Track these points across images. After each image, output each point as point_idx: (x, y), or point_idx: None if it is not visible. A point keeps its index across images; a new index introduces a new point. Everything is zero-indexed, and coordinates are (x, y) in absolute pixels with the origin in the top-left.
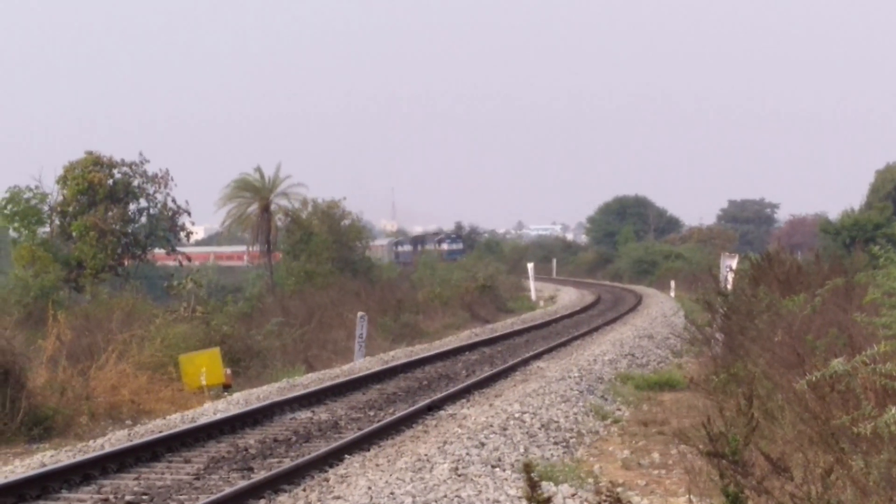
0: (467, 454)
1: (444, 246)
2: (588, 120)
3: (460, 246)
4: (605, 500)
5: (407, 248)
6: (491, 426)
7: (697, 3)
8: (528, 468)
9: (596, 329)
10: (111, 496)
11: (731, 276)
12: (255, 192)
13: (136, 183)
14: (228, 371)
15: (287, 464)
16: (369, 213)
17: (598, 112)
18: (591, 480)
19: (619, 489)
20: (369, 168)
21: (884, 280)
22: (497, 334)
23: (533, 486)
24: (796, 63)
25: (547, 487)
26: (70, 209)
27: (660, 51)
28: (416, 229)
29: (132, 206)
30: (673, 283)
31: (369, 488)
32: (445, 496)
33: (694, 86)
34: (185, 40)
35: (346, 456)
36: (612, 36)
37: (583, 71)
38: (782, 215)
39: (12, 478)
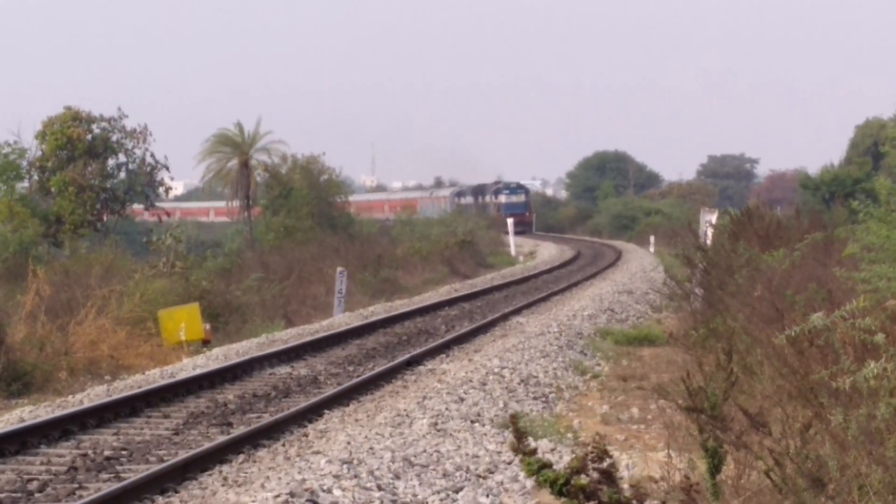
0: (447, 409)
1: (502, 198)
2: (568, 74)
3: (522, 198)
4: (591, 453)
5: (468, 199)
6: (470, 381)
7: None
8: (514, 419)
9: (575, 284)
10: (90, 451)
11: (710, 232)
12: (235, 147)
13: (114, 138)
14: (207, 326)
15: (266, 419)
16: (348, 168)
17: (578, 66)
18: (570, 435)
19: (605, 442)
20: (348, 123)
21: (863, 235)
22: (477, 289)
23: (519, 437)
24: (776, 19)
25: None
26: (49, 164)
27: (640, 7)
28: (395, 184)
29: (111, 162)
30: (652, 239)
31: (348, 443)
32: (425, 451)
33: (674, 41)
34: None
35: (326, 411)
36: None
37: (563, 26)
38: (762, 170)
39: None
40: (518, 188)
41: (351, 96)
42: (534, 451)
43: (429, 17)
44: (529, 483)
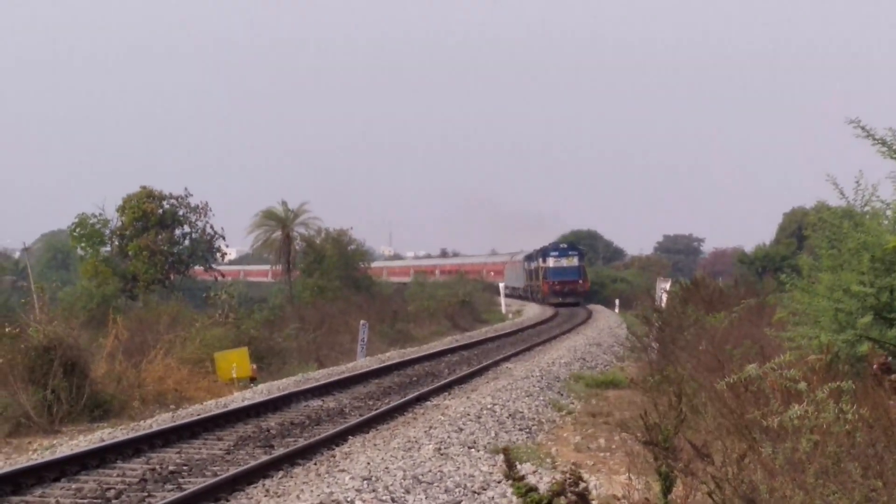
0: (448, 437)
1: (550, 261)
2: (547, 163)
3: (574, 262)
4: (569, 478)
5: (535, 264)
6: (468, 415)
7: (624, 48)
8: (506, 451)
9: (554, 337)
10: (157, 466)
11: (665, 297)
12: (279, 222)
13: (181, 212)
14: (254, 366)
15: (301, 442)
16: (370, 239)
17: (557, 157)
18: (549, 460)
19: (579, 469)
20: (368, 198)
21: (789, 302)
22: (473, 340)
23: (510, 465)
24: (722, 117)
25: None
26: (127, 233)
27: (608, 98)
28: (409, 254)
29: (178, 231)
30: (617, 302)
31: (368, 463)
32: (430, 471)
33: (636, 134)
34: (208, 89)
35: (350, 437)
36: (572, 81)
37: (547, 111)
38: (707, 247)
39: (77, 450)
40: (569, 249)
41: (372, 173)
42: (522, 478)
43: (407, 98)
44: (516, 500)
